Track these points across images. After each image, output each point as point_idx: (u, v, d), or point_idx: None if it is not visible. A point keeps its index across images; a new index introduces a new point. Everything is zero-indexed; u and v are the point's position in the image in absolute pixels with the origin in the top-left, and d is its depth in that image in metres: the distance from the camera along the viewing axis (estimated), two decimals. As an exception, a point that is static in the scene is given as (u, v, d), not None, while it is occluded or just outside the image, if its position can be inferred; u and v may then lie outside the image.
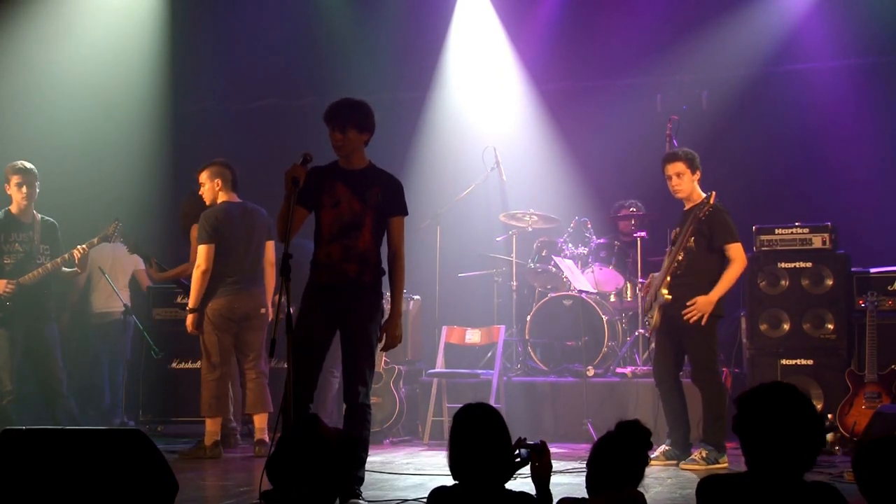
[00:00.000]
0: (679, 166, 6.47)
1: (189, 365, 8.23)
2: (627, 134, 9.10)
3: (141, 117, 9.72)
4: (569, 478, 5.78)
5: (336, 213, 5.19)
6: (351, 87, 9.55)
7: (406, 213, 5.34)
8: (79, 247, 7.14)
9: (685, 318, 6.34)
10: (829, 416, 7.11)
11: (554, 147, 9.75)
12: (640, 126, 8.92)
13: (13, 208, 7.18)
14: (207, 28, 10.07)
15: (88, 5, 9.42)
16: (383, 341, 5.24)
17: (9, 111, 9.00)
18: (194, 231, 7.23)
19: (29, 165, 7.19)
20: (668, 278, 6.43)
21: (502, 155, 9.08)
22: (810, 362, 7.44)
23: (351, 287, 5.17)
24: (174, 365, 8.33)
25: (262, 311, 7.22)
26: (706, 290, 6.37)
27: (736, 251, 6.40)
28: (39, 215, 7.25)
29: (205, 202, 7.24)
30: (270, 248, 7.35)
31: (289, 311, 4.41)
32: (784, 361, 7.48)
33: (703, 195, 6.45)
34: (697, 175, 6.49)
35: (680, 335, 6.48)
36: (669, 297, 6.38)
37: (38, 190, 7.22)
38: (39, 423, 7.03)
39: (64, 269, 7.21)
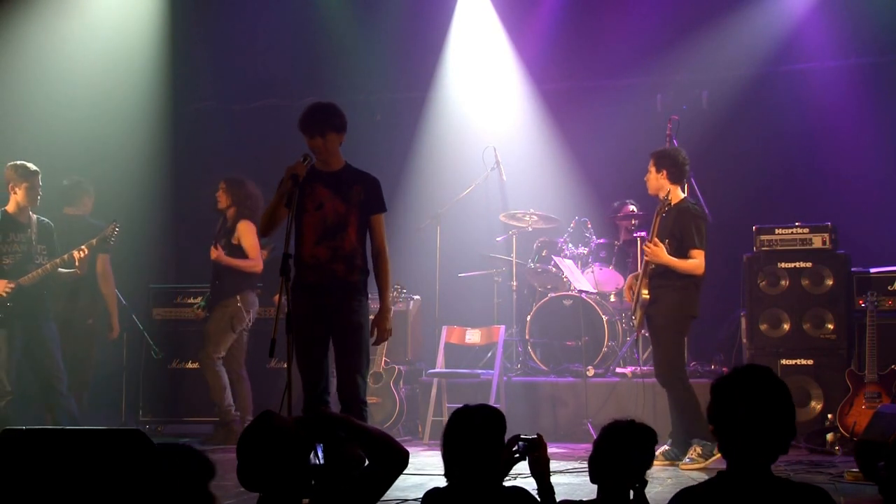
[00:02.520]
0: (650, 163, 6.59)
1: (189, 365, 8.23)
2: (627, 134, 9.09)
3: (140, 117, 9.70)
4: (569, 478, 5.78)
5: (320, 216, 5.24)
6: (351, 87, 9.57)
7: (385, 210, 5.42)
8: (79, 248, 7.09)
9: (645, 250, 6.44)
10: (830, 416, 7.11)
11: (554, 147, 9.75)
12: (640, 126, 8.91)
13: (10, 208, 7.12)
14: (207, 28, 10.07)
15: (88, 5, 9.41)
16: (375, 336, 5.31)
17: (8, 111, 8.97)
18: (243, 226, 7.37)
19: (34, 167, 7.16)
20: (647, 279, 6.47)
21: (502, 155, 9.07)
22: (810, 362, 7.44)
23: (339, 286, 5.23)
24: (174, 365, 8.33)
25: (90, 321, 7.69)
26: (682, 291, 6.40)
27: (698, 256, 6.40)
28: (35, 216, 7.21)
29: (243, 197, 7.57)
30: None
31: (289, 311, 4.42)
32: (784, 361, 7.47)
33: (681, 195, 6.54)
34: (664, 173, 6.51)
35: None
36: (648, 296, 6.44)
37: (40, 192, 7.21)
38: (39, 423, 7.02)
39: (61, 270, 7.19)
